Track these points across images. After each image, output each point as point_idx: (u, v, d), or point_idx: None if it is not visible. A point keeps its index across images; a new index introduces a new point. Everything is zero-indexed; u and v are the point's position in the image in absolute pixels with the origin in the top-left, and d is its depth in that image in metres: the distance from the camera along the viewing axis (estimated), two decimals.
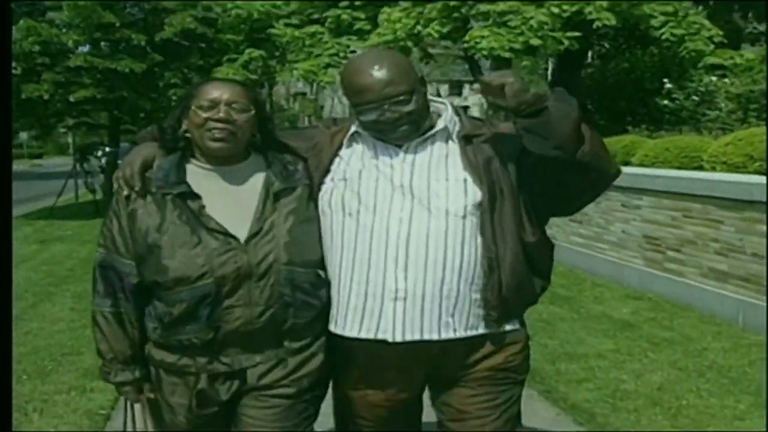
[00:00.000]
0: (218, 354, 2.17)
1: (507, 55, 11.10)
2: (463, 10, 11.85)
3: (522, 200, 2.23)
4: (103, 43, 15.65)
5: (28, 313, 7.09)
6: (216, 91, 2.16)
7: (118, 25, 14.88)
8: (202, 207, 2.15)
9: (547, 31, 11.12)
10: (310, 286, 2.20)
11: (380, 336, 2.16)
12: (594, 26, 12.28)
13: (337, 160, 2.30)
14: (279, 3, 16.64)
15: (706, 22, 12.89)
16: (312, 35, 15.36)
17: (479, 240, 2.18)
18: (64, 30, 14.88)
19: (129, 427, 2.38)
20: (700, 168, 7.81)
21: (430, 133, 2.24)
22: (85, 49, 16.22)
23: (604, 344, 5.62)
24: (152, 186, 2.19)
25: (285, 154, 2.33)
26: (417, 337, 2.15)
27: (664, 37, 12.63)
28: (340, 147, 2.31)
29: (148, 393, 2.31)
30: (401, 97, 2.12)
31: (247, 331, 2.14)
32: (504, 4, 11.14)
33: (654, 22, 12.60)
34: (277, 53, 16.77)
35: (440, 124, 2.25)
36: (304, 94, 55.82)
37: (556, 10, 11.19)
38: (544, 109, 2.03)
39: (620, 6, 12.21)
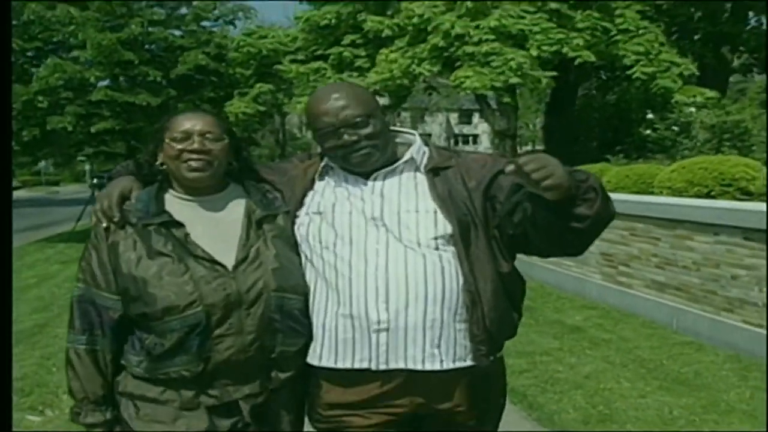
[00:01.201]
0: (206, 386, 2.13)
1: (489, 93, 12.10)
2: (451, 50, 12.87)
3: (492, 233, 2.20)
4: (122, 79, 16.75)
5: (54, 321, 8.07)
6: (188, 123, 2.14)
7: (136, 62, 15.96)
8: (187, 235, 2.13)
9: (527, 71, 12.10)
10: (299, 313, 2.18)
11: (366, 365, 2.14)
12: (575, 63, 13.31)
13: (310, 193, 2.29)
14: (286, 40, 17.75)
15: (677, 59, 13.86)
16: (316, 71, 16.44)
17: (458, 272, 2.15)
18: (86, 67, 15.90)
19: None
20: (652, 192, 8.74)
21: (397, 164, 2.23)
22: (106, 83, 17.31)
23: (551, 344, 6.54)
24: (132, 217, 2.15)
25: (264, 183, 2.34)
26: (402, 365, 2.12)
27: (635, 75, 13.61)
28: (313, 180, 2.31)
29: None
30: (358, 119, 2.13)
31: (237, 360, 2.10)
32: (487, 46, 12.17)
33: (626, 61, 13.61)
34: (284, 86, 17.79)
35: (407, 155, 2.24)
36: None
37: (534, 52, 12.18)
38: (588, 217, 1.96)
39: (598, 46, 13.23)
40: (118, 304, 2.13)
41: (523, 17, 12.65)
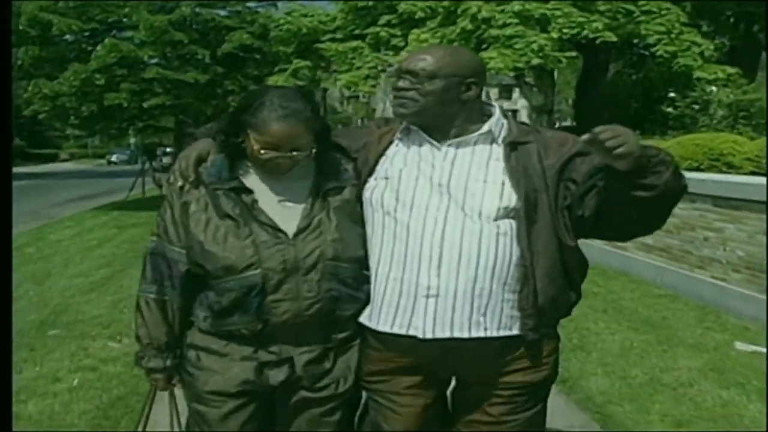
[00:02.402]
0: (265, 344, 2.21)
1: (511, 73, 12.98)
2: (478, 33, 13.76)
3: (560, 212, 2.19)
4: (172, 57, 17.87)
5: (118, 275, 9.16)
6: (279, 133, 2.12)
7: (185, 41, 17.09)
8: (255, 201, 2.19)
9: (548, 52, 12.95)
10: (353, 281, 2.22)
11: (411, 332, 2.16)
12: (597, 42, 14.10)
13: (382, 159, 2.31)
14: (325, 19, 18.72)
15: (698, 39, 14.53)
16: (354, 49, 17.35)
17: (514, 244, 2.16)
18: (140, 46, 17.05)
19: (175, 427, 2.47)
20: None
21: (473, 134, 2.24)
22: (156, 61, 18.46)
23: None
24: (206, 180, 2.22)
25: (337, 154, 2.34)
26: (447, 334, 2.14)
27: (658, 53, 14.34)
28: (387, 147, 2.33)
29: (177, 383, 2.39)
30: (421, 71, 2.19)
31: (295, 323, 2.16)
32: (511, 29, 13.04)
33: (650, 40, 14.33)
34: (322, 64, 18.78)
35: (485, 128, 2.23)
36: (356, 97, 57.78)
37: (555, 35, 13.02)
38: (656, 186, 1.98)
39: (620, 28, 13.98)
40: (185, 257, 2.23)
41: (546, 1, 13.46)
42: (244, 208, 2.18)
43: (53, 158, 60.66)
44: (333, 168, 2.30)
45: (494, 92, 68.18)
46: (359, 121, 56.92)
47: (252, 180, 2.24)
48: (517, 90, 60.78)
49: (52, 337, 6.17)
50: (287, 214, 2.20)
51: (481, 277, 2.14)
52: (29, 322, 6.73)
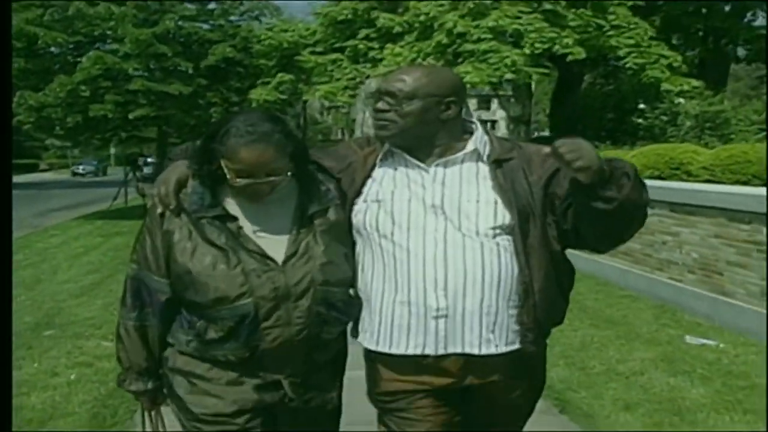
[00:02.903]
0: (250, 369, 2.20)
1: (485, 88, 13.48)
2: (453, 47, 14.26)
3: (548, 226, 2.23)
4: (156, 70, 18.21)
5: (107, 281, 9.48)
6: (251, 162, 2.07)
7: (169, 54, 17.45)
8: (240, 228, 2.16)
9: (520, 67, 13.47)
10: (342, 305, 2.22)
11: (426, 351, 2.18)
12: (567, 60, 14.66)
13: (369, 181, 2.29)
14: (305, 33, 19.17)
15: (666, 52, 15.11)
16: (333, 61, 17.82)
17: (514, 260, 2.18)
18: (124, 58, 17.39)
19: (148, 427, 2.45)
20: None
21: (459, 153, 2.24)
22: (141, 74, 18.79)
23: None
24: (187, 207, 2.18)
25: (317, 175, 2.30)
26: (459, 350, 2.16)
27: (627, 65, 14.92)
28: (372, 168, 2.30)
29: (161, 403, 2.39)
30: (399, 92, 2.19)
31: (283, 348, 2.15)
32: (485, 44, 13.54)
33: (620, 52, 14.90)
34: (303, 76, 19.21)
35: (470, 146, 2.25)
36: (337, 107, 58.20)
37: (528, 50, 13.55)
38: (615, 199, 2.00)
39: (589, 40, 14.54)
40: (166, 287, 2.20)
41: (519, 17, 13.99)
42: (230, 236, 2.14)
43: (33, 168, 60.43)
44: (315, 189, 2.26)
45: (473, 103, 69.07)
46: (339, 130, 57.41)
47: (234, 206, 2.21)
48: (495, 101, 61.77)
49: (47, 337, 6.52)
50: (273, 241, 2.18)
51: (488, 295, 2.15)
52: (25, 323, 7.07)
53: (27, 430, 4.39)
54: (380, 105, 2.23)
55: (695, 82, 14.74)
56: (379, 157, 2.31)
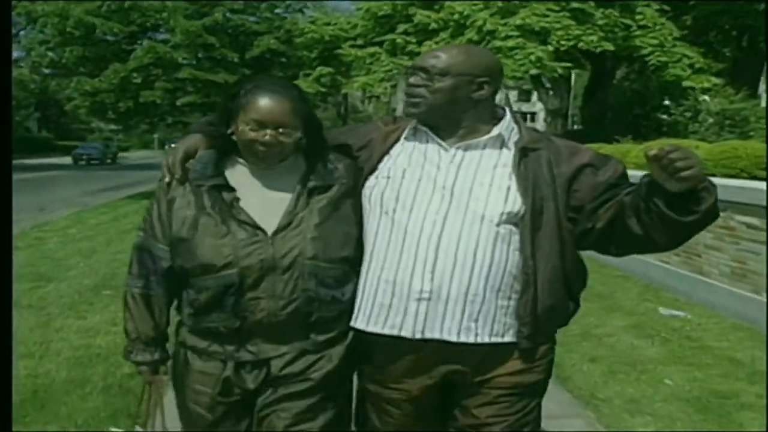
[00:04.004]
0: (245, 342, 2.19)
1: (510, 82, 14.28)
2: (483, 44, 15.06)
3: (565, 222, 2.16)
4: (204, 59, 19.28)
5: None
6: (264, 111, 2.10)
7: (217, 45, 18.55)
8: (236, 199, 2.16)
9: (545, 62, 14.24)
10: (334, 282, 2.18)
11: (402, 333, 2.14)
12: (597, 52, 15.38)
13: (386, 158, 2.27)
14: (347, 27, 20.08)
15: (689, 52, 15.73)
16: (372, 55, 18.69)
17: (516, 253, 2.13)
18: (175, 48, 18.50)
19: (149, 426, 2.43)
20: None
21: (483, 137, 2.20)
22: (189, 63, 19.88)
23: None
24: (191, 176, 2.20)
25: (328, 152, 2.30)
26: (437, 335, 2.12)
27: (651, 63, 15.58)
28: (392, 145, 2.29)
29: (163, 376, 2.37)
30: (433, 68, 2.16)
31: (271, 322, 2.14)
32: (512, 41, 14.33)
33: (644, 51, 15.57)
34: (343, 69, 20.12)
35: (495, 131, 2.20)
36: (377, 96, 58.97)
37: (552, 47, 14.31)
38: (698, 212, 1.94)
39: (615, 39, 15.24)
40: (168, 254, 2.22)
41: (547, 15, 14.73)
42: (223, 205, 2.16)
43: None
44: (321, 166, 2.25)
45: (513, 95, 69.38)
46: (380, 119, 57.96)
47: (239, 176, 2.22)
48: (535, 93, 62.15)
49: (106, 296, 7.49)
50: (271, 212, 2.17)
51: (475, 283, 2.11)
52: (84, 285, 8.10)
53: (97, 362, 5.36)
54: (412, 80, 2.20)
55: (715, 80, 15.34)
56: (404, 134, 2.29)
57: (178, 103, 19.00)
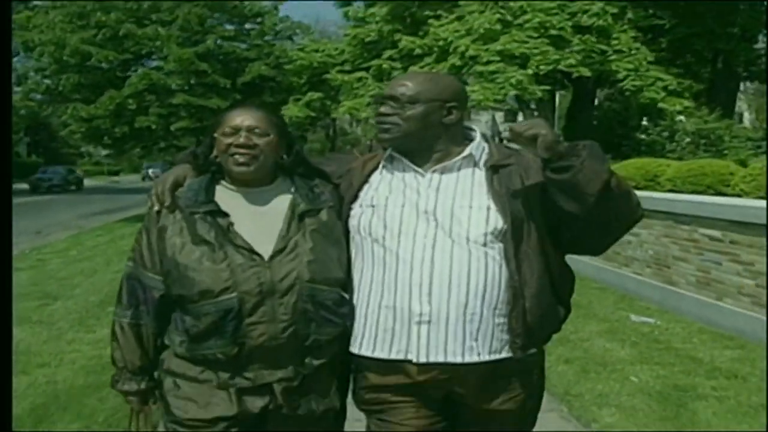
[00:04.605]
0: (242, 369, 2.18)
1: (491, 104, 14.90)
2: (465, 69, 15.69)
3: (545, 231, 2.23)
4: (197, 85, 19.81)
5: None
6: (237, 118, 2.20)
7: (209, 71, 19.09)
8: (231, 224, 2.18)
9: (525, 85, 14.86)
10: (332, 304, 2.21)
11: (408, 357, 2.17)
12: (573, 77, 16.01)
13: (366, 186, 2.32)
14: (334, 53, 20.68)
15: (662, 75, 16.36)
16: (359, 80, 19.23)
17: (503, 268, 2.17)
18: (168, 75, 19.05)
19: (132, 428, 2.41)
20: None
21: (455, 159, 2.26)
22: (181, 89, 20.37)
23: None
24: (182, 204, 2.22)
25: (314, 177, 2.36)
26: (441, 359, 2.15)
27: (626, 87, 16.23)
28: (370, 174, 2.34)
29: (152, 405, 2.36)
30: (403, 96, 2.22)
31: (270, 347, 2.15)
32: (494, 66, 14.94)
33: (619, 76, 16.21)
34: (332, 93, 20.69)
35: (466, 151, 2.26)
36: (366, 119, 59.54)
37: (532, 71, 14.94)
38: (573, 167, 2.04)
39: (593, 64, 15.87)
40: (161, 284, 2.22)
41: (526, 42, 15.35)
42: (219, 231, 2.17)
43: None
44: (309, 191, 2.30)
45: (500, 115, 70.19)
46: (368, 142, 58.67)
47: (229, 203, 2.24)
48: (521, 114, 62.85)
49: (111, 312, 7.81)
50: (263, 237, 2.19)
51: (472, 303, 2.14)
52: (90, 302, 8.57)
53: (110, 370, 5.78)
54: (383, 109, 2.25)
55: (688, 102, 15.97)
56: (381, 163, 2.34)
57: (172, 128, 19.50)
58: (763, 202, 6.68)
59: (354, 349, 2.28)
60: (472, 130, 2.37)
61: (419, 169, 2.27)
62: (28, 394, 5.15)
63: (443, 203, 2.21)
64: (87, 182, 55.27)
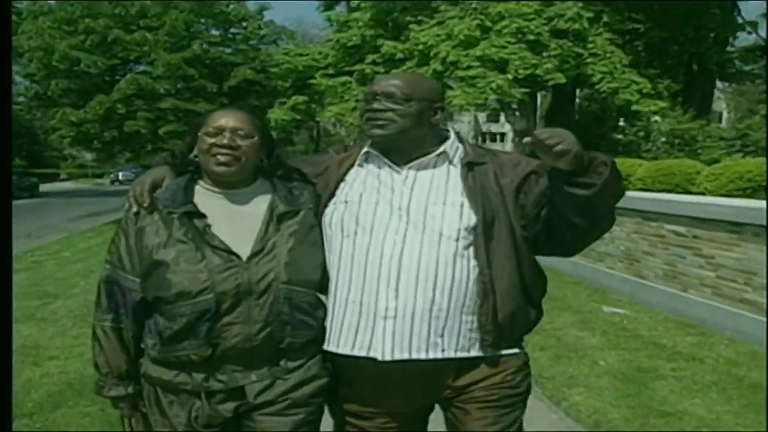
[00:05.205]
0: (215, 371, 2.17)
1: (472, 108, 15.40)
2: (446, 74, 16.20)
3: (518, 231, 2.23)
4: (184, 90, 20.15)
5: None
6: (222, 119, 2.20)
7: (196, 76, 19.44)
8: (207, 225, 2.17)
9: (505, 89, 15.40)
10: (308, 306, 2.21)
11: (371, 354, 2.16)
12: (549, 84, 16.58)
13: (342, 184, 2.34)
14: (318, 57, 21.14)
15: (636, 78, 16.94)
16: (343, 84, 19.77)
17: (473, 264, 2.18)
18: (156, 80, 19.39)
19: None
20: None
21: (430, 156, 2.27)
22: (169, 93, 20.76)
23: None
24: (160, 205, 2.21)
25: (293, 179, 2.37)
26: (405, 355, 2.14)
27: (602, 89, 16.79)
28: (346, 171, 2.35)
29: (142, 408, 2.32)
30: (396, 93, 2.23)
31: (244, 348, 2.14)
32: (474, 71, 15.46)
33: (594, 78, 16.78)
34: (316, 97, 21.13)
35: (441, 149, 2.28)
36: (351, 123, 59.78)
37: (511, 75, 15.46)
38: (594, 185, 2.05)
39: (569, 69, 16.42)
40: (139, 286, 2.20)
41: (505, 47, 15.88)
42: (196, 232, 2.16)
43: (53, 178, 61.82)
44: (288, 193, 2.30)
45: (482, 116, 70.65)
46: (351, 141, 59.11)
47: (207, 204, 2.23)
48: (502, 114, 63.26)
49: None
50: (242, 238, 2.19)
51: (438, 299, 2.14)
52: (89, 300, 8.73)
53: None
54: (377, 105, 2.24)
55: (662, 104, 16.55)
56: (357, 161, 2.36)
57: (160, 132, 19.77)
58: (721, 200, 7.23)
59: (324, 345, 2.29)
60: (446, 129, 2.40)
61: (395, 166, 2.29)
62: (43, 383, 5.54)
63: (417, 200, 2.23)
64: (71, 185, 55.07)
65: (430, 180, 2.27)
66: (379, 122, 2.24)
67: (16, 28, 20.47)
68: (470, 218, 2.19)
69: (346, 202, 2.29)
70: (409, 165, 2.28)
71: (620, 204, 2.24)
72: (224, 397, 2.20)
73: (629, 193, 9.60)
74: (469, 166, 2.27)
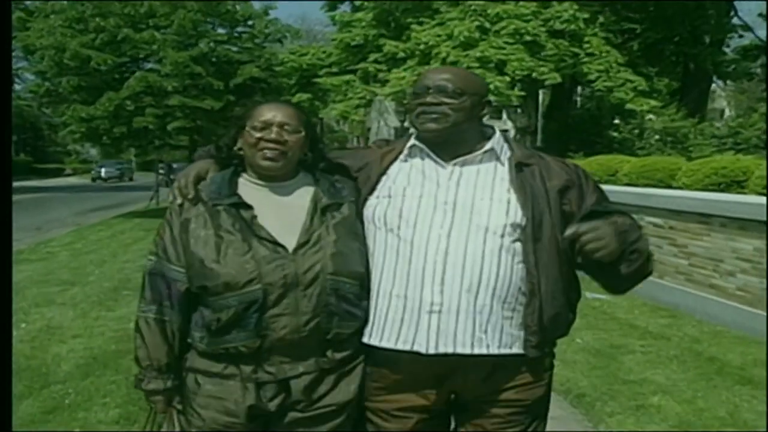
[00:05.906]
0: (263, 363, 2.18)
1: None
2: None
3: (560, 235, 2.19)
4: (192, 87, 20.58)
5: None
6: (269, 113, 2.21)
7: (203, 74, 19.85)
8: (254, 217, 2.18)
9: (502, 90, 15.95)
10: (354, 297, 2.20)
11: (415, 348, 2.15)
12: (545, 84, 17.13)
13: (383, 178, 2.32)
14: (322, 56, 21.70)
15: (631, 77, 17.50)
16: (346, 82, 20.37)
17: (520, 264, 2.17)
18: (164, 77, 19.84)
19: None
20: None
21: (477, 152, 2.27)
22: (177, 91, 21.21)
23: None
24: (205, 197, 2.22)
25: (334, 173, 2.37)
26: (450, 350, 2.13)
27: (597, 88, 17.35)
28: (389, 165, 2.34)
29: (177, 405, 2.32)
30: (450, 88, 2.23)
31: (293, 339, 2.14)
32: (474, 71, 15.95)
33: (590, 77, 17.33)
34: (320, 94, 21.65)
35: (488, 145, 2.27)
36: (352, 121, 60.33)
37: (509, 77, 16.02)
38: (624, 276, 2.19)
39: (565, 68, 16.98)
40: (185, 276, 2.20)
41: (503, 48, 16.44)
42: (243, 223, 2.17)
43: (57, 173, 62.33)
44: (330, 186, 2.30)
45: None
46: (355, 138, 59.74)
47: (252, 196, 2.24)
48: (504, 111, 63.66)
49: (126, 295, 8.85)
50: (287, 230, 2.19)
51: (482, 294, 2.14)
52: (105, 287, 9.47)
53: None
54: (430, 99, 2.23)
55: (654, 102, 17.11)
56: (402, 155, 2.34)
57: (168, 128, 20.20)
58: (693, 193, 7.81)
59: (364, 338, 2.28)
60: (489, 126, 2.38)
61: (440, 161, 2.28)
62: (71, 357, 6.10)
63: (464, 195, 2.22)
64: (75, 180, 55.02)
65: (476, 176, 2.27)
66: (433, 116, 2.23)
67: (27, 26, 21.06)
68: (517, 215, 2.19)
69: (389, 196, 2.29)
70: (454, 161, 2.28)
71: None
72: (272, 389, 2.21)
73: (613, 188, 10.29)
74: (518, 166, 2.27)
